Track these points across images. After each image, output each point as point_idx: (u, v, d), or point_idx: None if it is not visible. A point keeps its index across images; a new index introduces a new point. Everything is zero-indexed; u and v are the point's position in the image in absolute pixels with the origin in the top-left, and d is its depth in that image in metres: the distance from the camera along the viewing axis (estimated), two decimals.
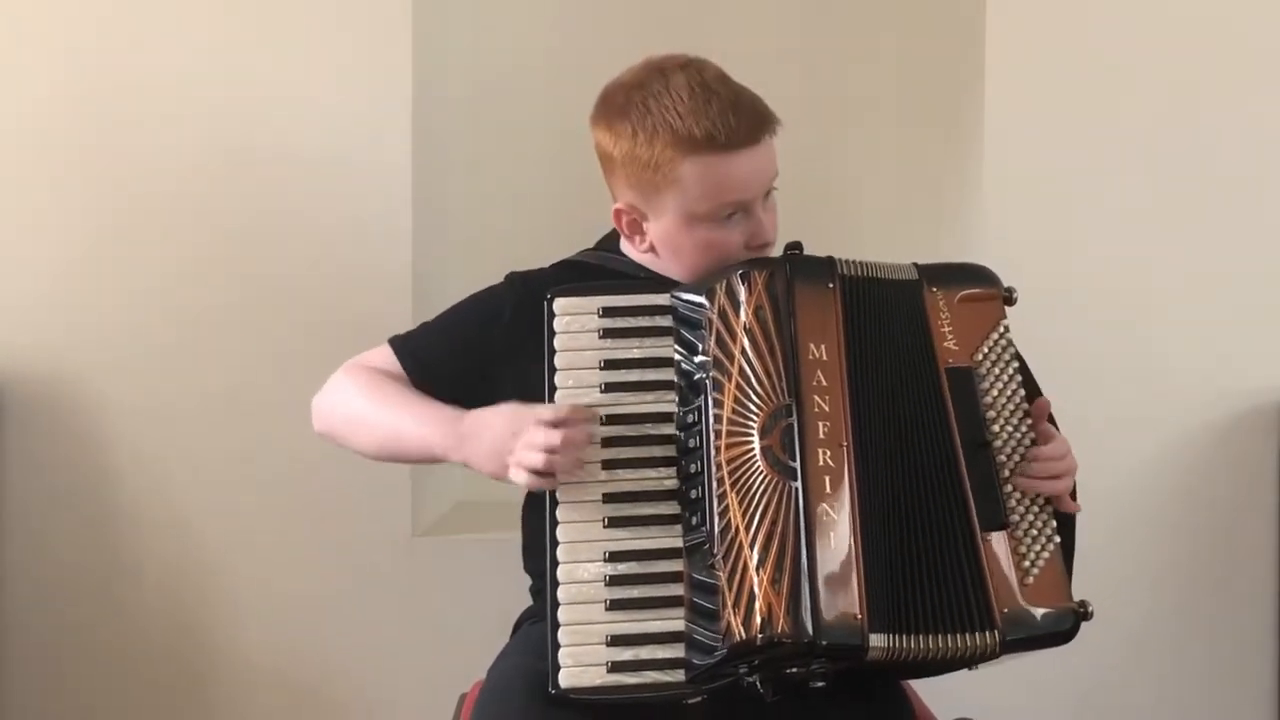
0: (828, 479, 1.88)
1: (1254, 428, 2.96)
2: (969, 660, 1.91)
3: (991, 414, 1.99)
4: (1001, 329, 2.04)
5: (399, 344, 2.21)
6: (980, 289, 2.06)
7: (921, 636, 1.87)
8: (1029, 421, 2.00)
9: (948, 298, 2.03)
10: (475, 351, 2.16)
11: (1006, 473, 1.97)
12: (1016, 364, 2.03)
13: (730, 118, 2.02)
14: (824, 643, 1.81)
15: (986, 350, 2.02)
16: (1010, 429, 1.99)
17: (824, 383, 1.92)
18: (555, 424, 1.92)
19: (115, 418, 2.91)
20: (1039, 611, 1.91)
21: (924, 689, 2.20)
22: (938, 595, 1.89)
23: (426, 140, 2.97)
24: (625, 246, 2.20)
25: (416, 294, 2.91)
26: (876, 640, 1.84)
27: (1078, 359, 2.92)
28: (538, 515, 2.00)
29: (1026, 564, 1.93)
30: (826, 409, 1.91)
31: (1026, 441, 1.99)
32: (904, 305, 2.03)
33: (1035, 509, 1.97)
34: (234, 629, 2.95)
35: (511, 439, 1.95)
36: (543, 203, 3.18)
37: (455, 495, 3.19)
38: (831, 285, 1.99)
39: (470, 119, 3.18)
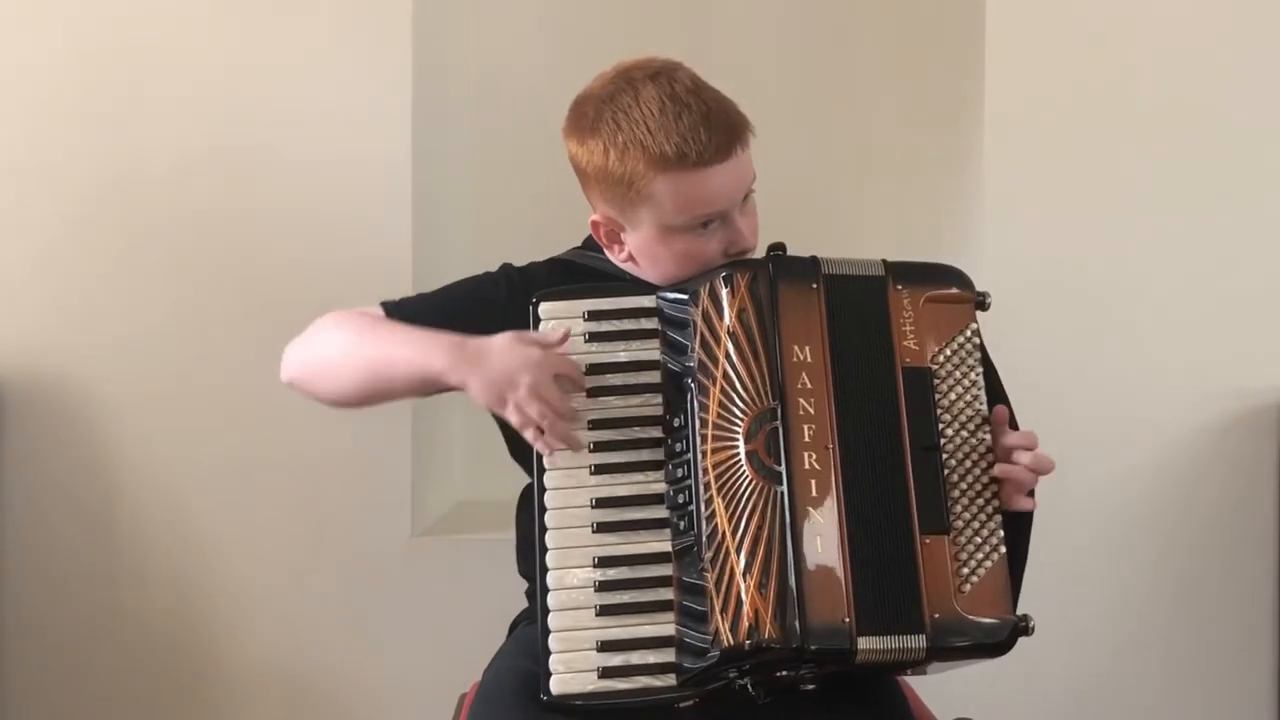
0: (813, 482, 1.87)
1: (1253, 428, 2.95)
2: (898, 664, 1.90)
3: (947, 417, 1.95)
4: (969, 333, 2.00)
5: (391, 306, 2.16)
6: (950, 290, 2.02)
7: (888, 638, 1.86)
8: (986, 428, 1.97)
9: (914, 296, 1.99)
10: (467, 328, 2.10)
11: (955, 477, 1.94)
12: (981, 369, 2.00)
13: (701, 133, 1.99)
14: (812, 647, 1.81)
15: (949, 353, 1.98)
16: (965, 434, 1.96)
17: (809, 385, 1.91)
18: (560, 373, 1.93)
19: (116, 417, 2.91)
20: (973, 620, 1.88)
21: (924, 689, 2.20)
22: (877, 595, 1.87)
23: (426, 140, 2.96)
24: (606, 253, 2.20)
25: (417, 293, 2.91)
26: (865, 643, 1.83)
27: (1077, 359, 2.92)
28: (529, 518, 1.99)
29: (965, 571, 1.90)
30: (811, 411, 1.90)
31: (982, 449, 1.96)
32: (868, 301, 1.99)
33: (982, 517, 1.94)
34: (234, 628, 2.95)
35: (518, 373, 1.92)
36: (542, 202, 3.17)
37: (455, 495, 3.19)
38: (815, 286, 1.98)
39: (470, 119, 3.18)
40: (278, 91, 2.92)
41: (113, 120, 2.89)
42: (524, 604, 2.26)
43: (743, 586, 1.84)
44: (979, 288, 2.05)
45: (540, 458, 1.96)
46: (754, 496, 1.87)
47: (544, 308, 2.00)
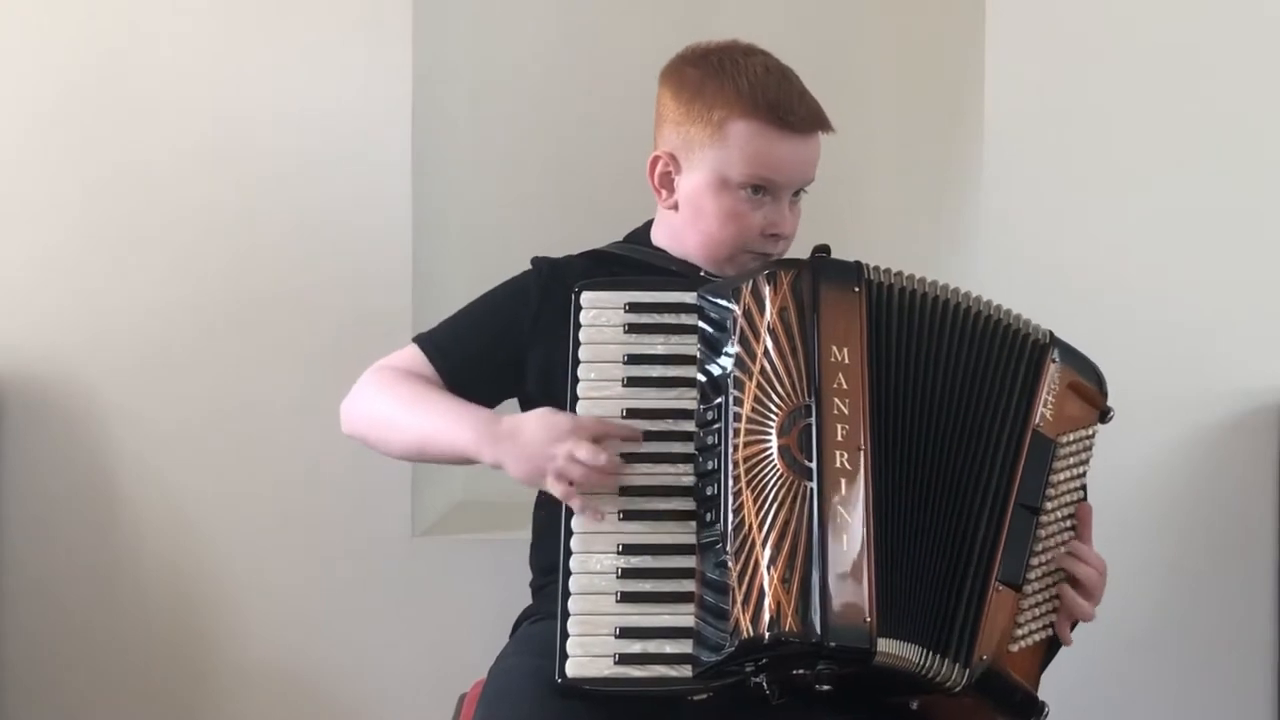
0: (843, 481, 1.88)
1: (1254, 428, 2.96)
2: (934, 685, 1.91)
3: (1051, 492, 2.01)
4: (1090, 432, 2.07)
5: (424, 340, 2.23)
6: (1091, 387, 2.09)
7: (915, 647, 1.88)
8: (1075, 520, 2.04)
9: (1063, 375, 2.05)
10: (501, 340, 2.19)
11: (1039, 547, 1.99)
12: (1086, 469, 2.06)
13: (795, 102, 2.12)
14: (831, 644, 1.81)
15: (1070, 439, 2.05)
16: (1058, 516, 2.02)
17: (844, 386, 1.92)
18: (596, 439, 1.94)
19: (115, 417, 2.91)
20: (1013, 678, 1.94)
21: None
22: (933, 612, 1.90)
23: (426, 140, 2.96)
24: (655, 228, 2.25)
25: (416, 294, 2.91)
26: (885, 645, 1.83)
27: None
28: (552, 507, 2.00)
29: (1019, 632, 1.96)
30: (846, 412, 1.91)
31: (1066, 536, 2.03)
32: (1022, 360, 2.04)
33: (1046, 594, 2.01)
34: (234, 629, 2.95)
35: (549, 445, 1.95)
36: (543, 202, 3.18)
37: (455, 495, 3.19)
38: (857, 289, 1.99)
39: (470, 119, 3.18)
40: (278, 91, 2.91)
41: (112, 120, 2.89)
42: (524, 604, 2.27)
43: (766, 579, 1.83)
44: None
45: None
46: (783, 491, 1.87)
47: (586, 297, 2.01)
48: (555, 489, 1.96)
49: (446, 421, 2.10)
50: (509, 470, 2.01)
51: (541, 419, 1.99)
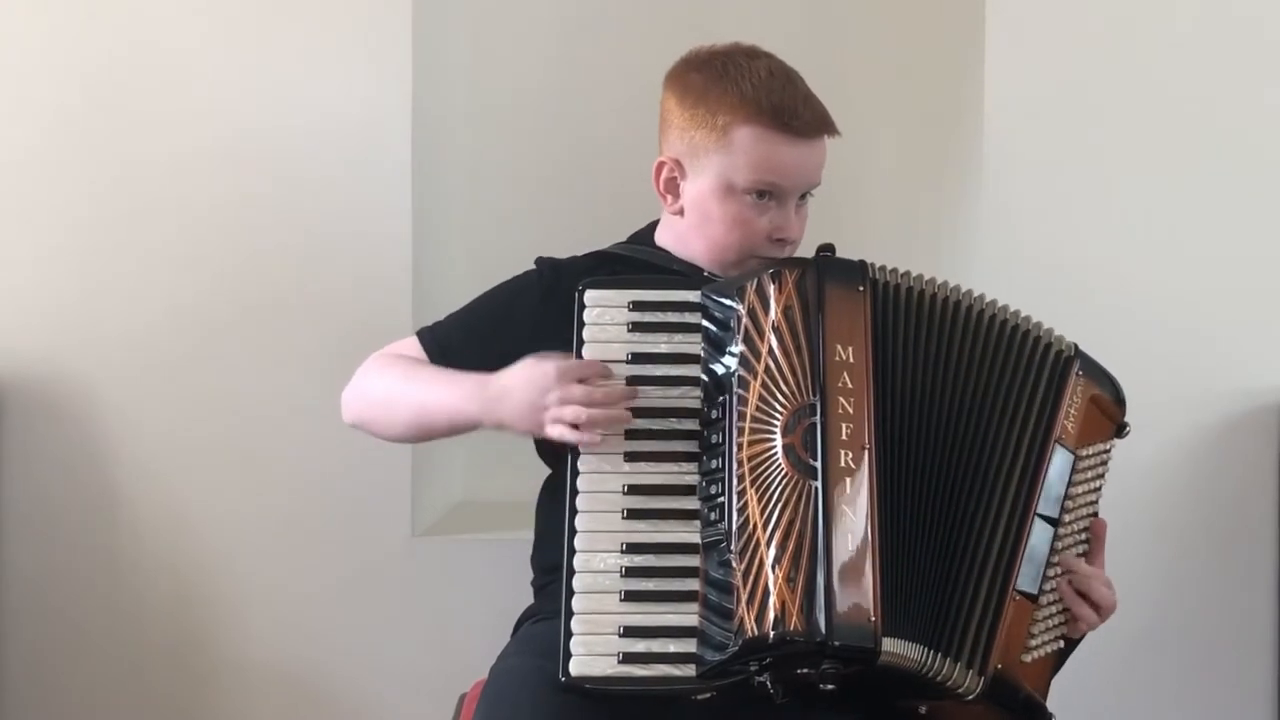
0: (848, 480, 1.87)
1: (1254, 428, 2.96)
2: (946, 690, 1.91)
3: (1069, 504, 2.02)
4: (1107, 447, 2.09)
5: (425, 336, 2.24)
6: (1111, 402, 2.10)
7: (921, 648, 1.88)
8: (1090, 535, 2.06)
9: (1085, 389, 2.06)
10: (501, 338, 2.18)
11: (1055, 559, 2.00)
12: (1102, 483, 2.08)
13: (800, 106, 2.11)
14: (836, 643, 1.80)
15: (1089, 452, 2.05)
16: (1075, 529, 2.03)
17: (849, 385, 1.92)
18: (580, 378, 1.95)
19: (115, 418, 2.91)
20: (1023, 687, 1.95)
21: None
22: (942, 614, 1.91)
23: (426, 141, 2.96)
24: (659, 230, 2.25)
25: (416, 295, 2.91)
26: (890, 645, 1.83)
27: None
28: (556, 506, 2.00)
29: (1032, 643, 1.97)
30: (850, 411, 1.90)
31: (1079, 550, 2.04)
32: (1044, 370, 2.04)
33: (1059, 605, 2.02)
34: (234, 629, 2.95)
35: (541, 395, 1.96)
36: (543, 207, 3.18)
37: (455, 495, 3.19)
38: (861, 288, 1.98)
39: (470, 124, 3.18)
40: (277, 93, 2.91)
41: (113, 124, 2.89)
42: (524, 605, 2.26)
43: (771, 578, 1.83)
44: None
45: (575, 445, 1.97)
46: (788, 490, 1.86)
47: (590, 295, 2.01)
48: (553, 433, 1.97)
49: (443, 391, 2.12)
50: (514, 427, 2.03)
51: (526, 373, 2.01)
